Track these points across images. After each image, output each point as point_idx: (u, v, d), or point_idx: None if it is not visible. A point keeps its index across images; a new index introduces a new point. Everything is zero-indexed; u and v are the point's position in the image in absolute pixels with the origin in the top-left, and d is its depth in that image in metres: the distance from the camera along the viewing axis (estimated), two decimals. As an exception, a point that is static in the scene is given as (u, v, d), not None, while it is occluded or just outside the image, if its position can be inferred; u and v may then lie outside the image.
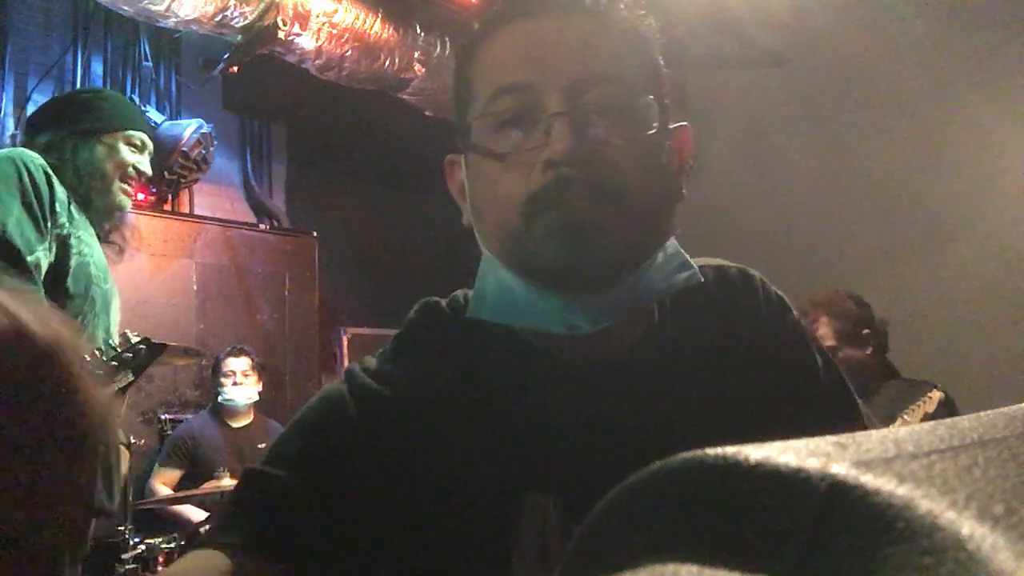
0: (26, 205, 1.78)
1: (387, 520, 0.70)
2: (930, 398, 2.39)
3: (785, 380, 0.76)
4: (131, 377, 1.86)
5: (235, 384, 3.59)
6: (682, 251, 0.75)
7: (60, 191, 1.86)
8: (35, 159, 1.84)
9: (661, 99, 0.72)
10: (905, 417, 2.37)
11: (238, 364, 3.62)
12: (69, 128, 1.97)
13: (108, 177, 1.97)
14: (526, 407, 0.72)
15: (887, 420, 2.36)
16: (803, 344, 0.81)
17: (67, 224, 1.86)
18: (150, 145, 2.08)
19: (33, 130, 2.02)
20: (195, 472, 3.47)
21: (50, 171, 1.85)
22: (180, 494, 3.28)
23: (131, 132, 2.02)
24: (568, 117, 0.66)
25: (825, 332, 2.56)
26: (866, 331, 2.58)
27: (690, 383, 0.73)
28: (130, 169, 2.00)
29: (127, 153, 2.00)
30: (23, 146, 1.96)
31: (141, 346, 1.86)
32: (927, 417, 2.35)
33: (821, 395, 0.79)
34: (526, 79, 0.69)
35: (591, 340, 0.70)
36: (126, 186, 2.02)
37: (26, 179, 1.80)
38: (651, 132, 0.69)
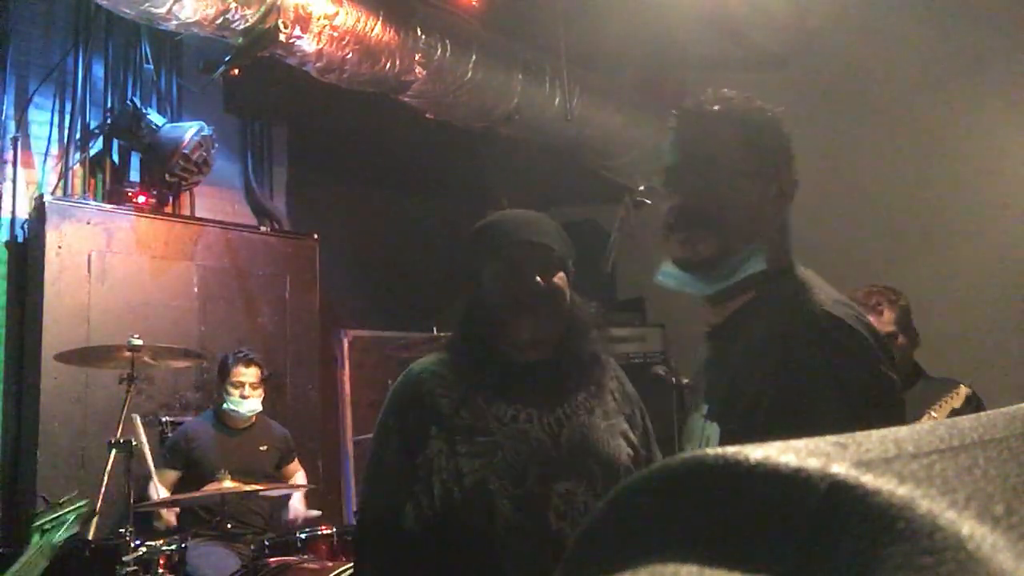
0: None
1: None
2: (957, 394, 2.41)
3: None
4: (76, 529, 2.26)
5: (243, 396, 3.55)
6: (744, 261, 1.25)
7: None
8: None
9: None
10: (932, 413, 2.39)
11: (248, 375, 3.57)
12: None
13: None
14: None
15: (915, 418, 2.36)
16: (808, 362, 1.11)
17: None
18: None
19: None
20: (191, 474, 3.46)
21: None
22: (182, 496, 3.28)
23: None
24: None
25: (888, 316, 2.51)
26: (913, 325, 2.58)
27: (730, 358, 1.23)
28: None
29: None
30: None
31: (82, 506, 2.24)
32: (954, 413, 2.37)
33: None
34: None
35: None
36: None
37: None
38: None
